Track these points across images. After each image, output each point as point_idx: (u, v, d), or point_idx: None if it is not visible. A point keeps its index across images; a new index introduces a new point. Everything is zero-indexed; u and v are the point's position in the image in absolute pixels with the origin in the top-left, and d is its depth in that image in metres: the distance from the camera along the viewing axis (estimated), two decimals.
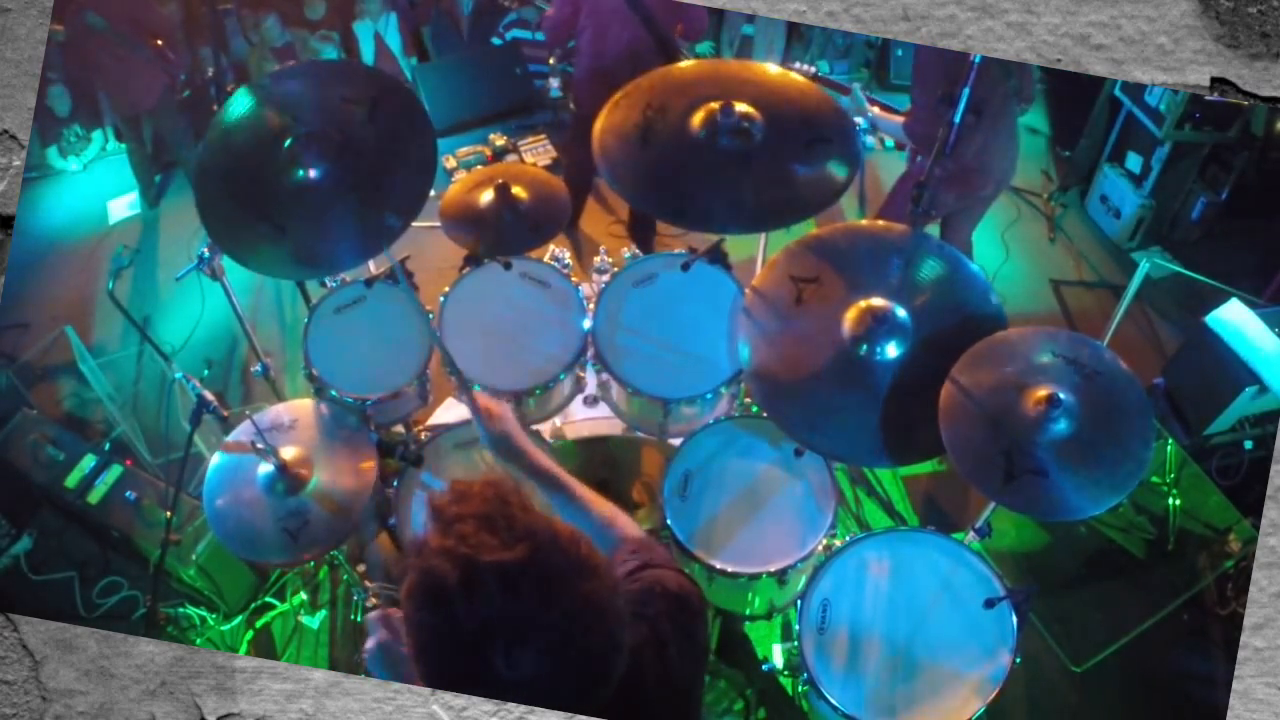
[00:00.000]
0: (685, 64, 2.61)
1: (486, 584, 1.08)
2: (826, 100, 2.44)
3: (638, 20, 3.47)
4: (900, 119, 3.22)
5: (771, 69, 2.55)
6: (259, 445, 2.35)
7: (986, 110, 3.11)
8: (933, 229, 3.65)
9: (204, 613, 3.16)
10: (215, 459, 2.51)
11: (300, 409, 2.61)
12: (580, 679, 1.15)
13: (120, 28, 4.51)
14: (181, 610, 3.15)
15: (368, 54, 5.43)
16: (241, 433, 2.51)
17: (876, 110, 3.29)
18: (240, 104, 2.35)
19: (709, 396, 2.56)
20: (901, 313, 2.30)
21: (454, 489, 1.17)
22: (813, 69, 2.96)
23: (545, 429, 2.81)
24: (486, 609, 1.08)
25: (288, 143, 2.31)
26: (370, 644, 1.49)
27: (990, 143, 3.25)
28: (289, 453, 2.46)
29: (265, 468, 2.43)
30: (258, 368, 2.98)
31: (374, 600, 2.79)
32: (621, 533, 1.59)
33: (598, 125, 2.41)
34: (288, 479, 2.42)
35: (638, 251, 2.85)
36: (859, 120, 3.28)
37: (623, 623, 1.18)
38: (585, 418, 2.95)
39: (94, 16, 4.39)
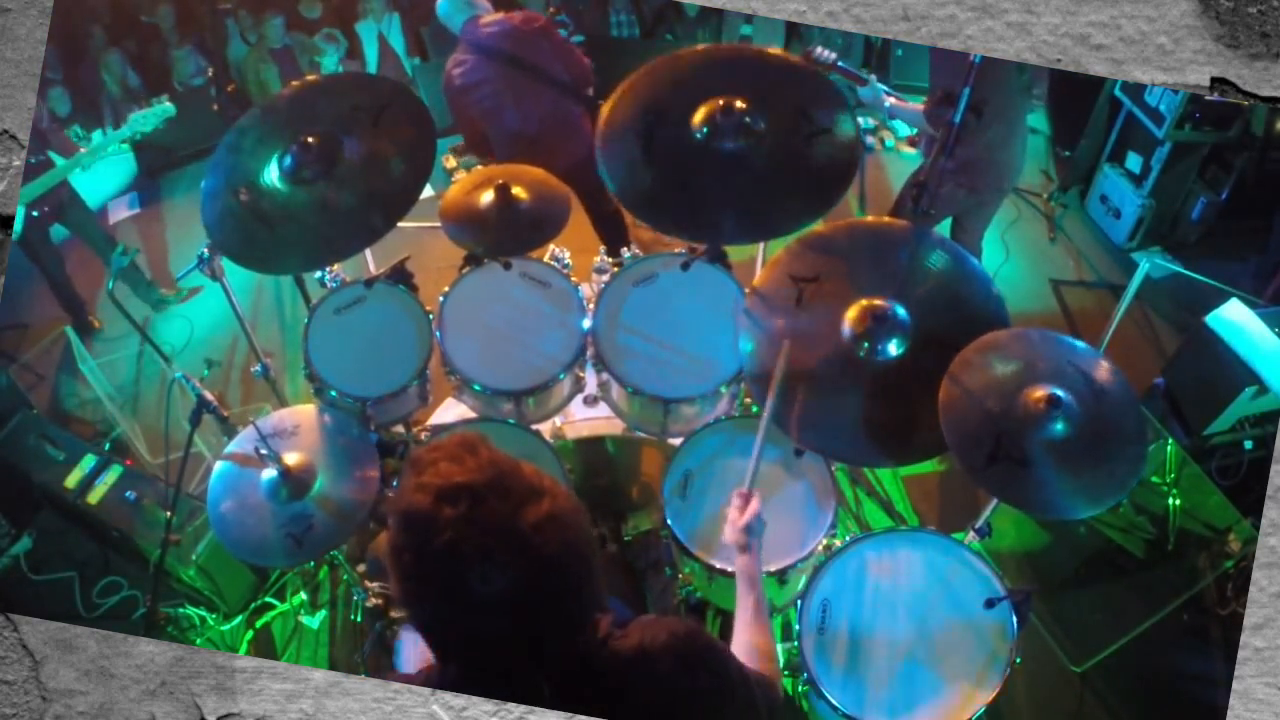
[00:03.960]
0: (683, 53, 2.57)
1: (455, 502, 1.18)
2: (824, 87, 2.43)
3: (526, 83, 3.53)
4: (919, 108, 3.20)
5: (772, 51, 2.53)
6: (262, 451, 2.36)
7: (995, 105, 3.10)
8: (943, 227, 3.65)
9: (204, 613, 3.16)
10: (218, 466, 2.52)
11: (303, 414, 2.61)
12: (548, 588, 1.24)
13: None
14: (181, 610, 3.15)
15: (371, 54, 5.42)
16: (244, 438, 2.51)
17: (893, 100, 3.27)
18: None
19: (709, 396, 2.56)
20: (902, 312, 2.29)
21: (429, 443, 1.30)
22: (833, 55, 2.91)
23: (545, 429, 2.81)
24: (455, 529, 1.18)
25: (288, 159, 2.35)
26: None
27: (1000, 138, 3.24)
28: (292, 458, 2.47)
29: (269, 473, 2.43)
30: (258, 368, 2.98)
31: (374, 600, 2.80)
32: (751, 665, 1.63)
33: (599, 128, 2.40)
34: (291, 484, 2.43)
35: (638, 251, 2.84)
36: (878, 108, 3.25)
37: (583, 536, 1.28)
38: (585, 418, 2.94)
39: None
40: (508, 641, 1.25)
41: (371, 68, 5.40)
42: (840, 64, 2.96)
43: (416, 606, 1.25)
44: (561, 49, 3.60)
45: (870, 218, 2.58)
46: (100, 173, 5.16)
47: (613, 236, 3.84)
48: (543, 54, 3.53)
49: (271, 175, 2.40)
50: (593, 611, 1.34)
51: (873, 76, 3.19)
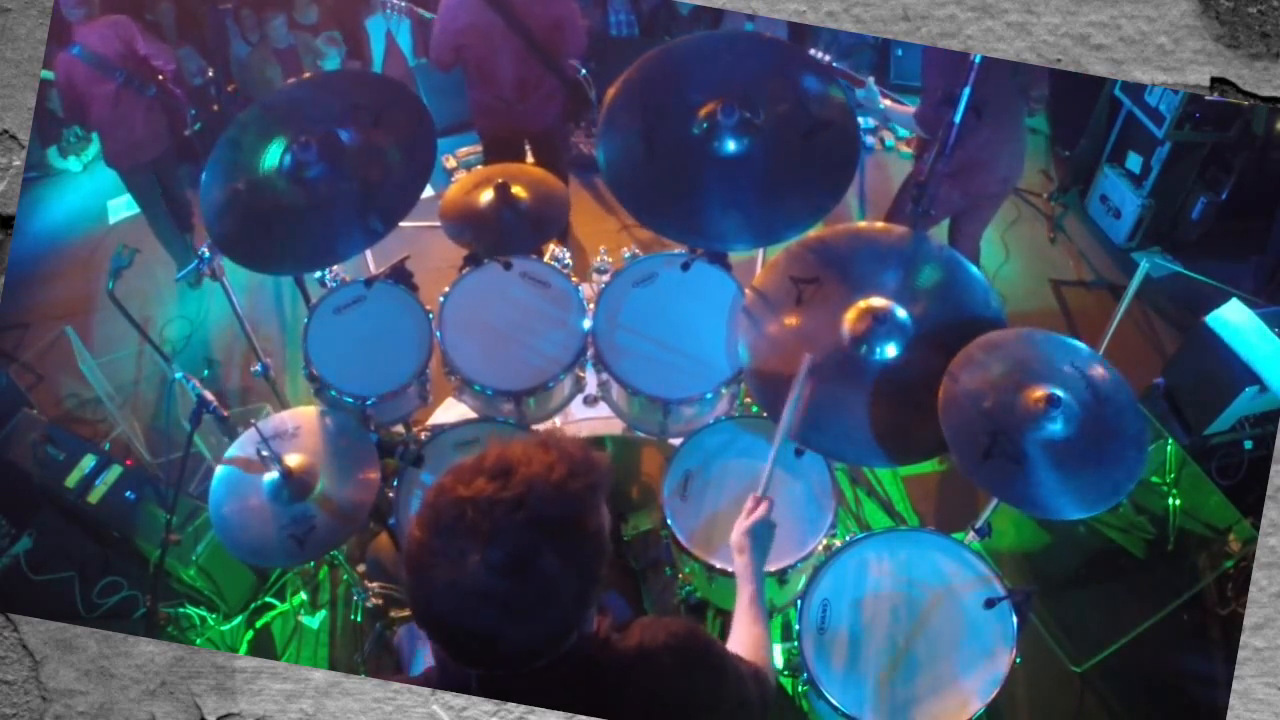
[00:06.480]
0: (673, 45, 2.57)
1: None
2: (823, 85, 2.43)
3: (520, 46, 3.52)
4: (911, 110, 3.23)
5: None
6: (264, 453, 2.36)
7: (991, 106, 3.10)
8: (941, 228, 3.66)
9: (204, 613, 3.16)
10: (219, 469, 2.52)
11: (304, 416, 2.62)
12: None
13: (114, 60, 3.83)
14: (181, 610, 3.15)
15: (378, 52, 5.40)
16: (246, 440, 2.52)
17: (888, 103, 3.29)
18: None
19: (709, 396, 2.56)
20: (901, 313, 2.30)
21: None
22: (827, 57, 2.96)
23: (545, 429, 2.81)
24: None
25: (287, 156, 2.34)
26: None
27: (995, 140, 3.25)
28: (293, 460, 2.47)
29: (270, 475, 2.43)
30: (258, 368, 2.98)
31: (374, 600, 2.80)
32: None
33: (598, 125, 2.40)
34: (293, 486, 2.43)
35: (638, 251, 2.85)
36: (872, 111, 3.28)
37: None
38: (585, 418, 2.94)
39: (82, 50, 3.78)
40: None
41: (377, 63, 5.40)
42: (836, 65, 2.98)
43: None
44: (559, 14, 3.57)
45: (869, 224, 2.56)
46: (101, 172, 5.18)
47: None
48: (536, 14, 3.50)
49: (270, 167, 2.40)
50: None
51: (870, 79, 3.22)
